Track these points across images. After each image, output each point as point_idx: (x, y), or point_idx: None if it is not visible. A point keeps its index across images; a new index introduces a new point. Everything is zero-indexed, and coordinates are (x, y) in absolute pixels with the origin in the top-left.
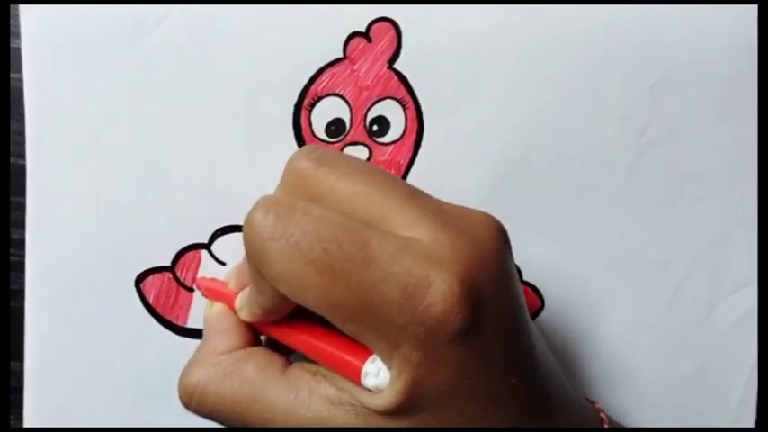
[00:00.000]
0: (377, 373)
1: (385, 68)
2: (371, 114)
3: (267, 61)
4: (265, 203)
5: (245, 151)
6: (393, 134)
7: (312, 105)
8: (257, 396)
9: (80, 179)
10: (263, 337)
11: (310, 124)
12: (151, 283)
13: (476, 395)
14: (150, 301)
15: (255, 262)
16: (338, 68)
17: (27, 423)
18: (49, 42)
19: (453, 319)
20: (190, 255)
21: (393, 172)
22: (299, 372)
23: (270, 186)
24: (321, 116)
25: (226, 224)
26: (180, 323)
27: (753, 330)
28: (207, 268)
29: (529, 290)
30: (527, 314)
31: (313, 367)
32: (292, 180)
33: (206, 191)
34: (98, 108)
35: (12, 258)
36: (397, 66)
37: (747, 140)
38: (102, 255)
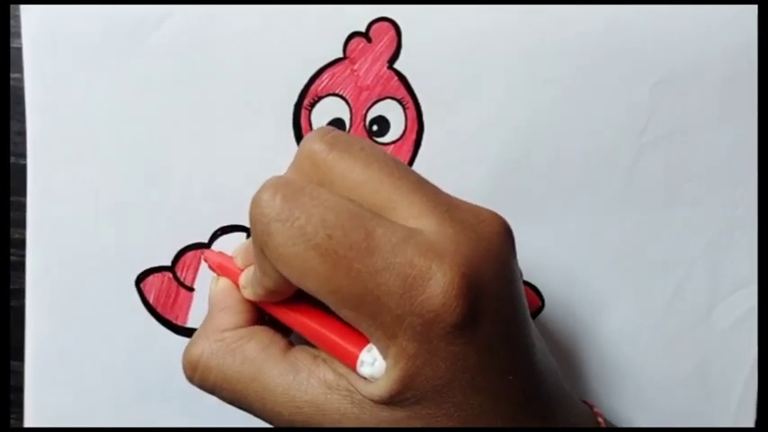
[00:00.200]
0: (372, 363)
1: (385, 68)
2: (371, 114)
3: (267, 61)
4: (274, 184)
5: (245, 151)
6: (393, 134)
7: (312, 105)
8: (257, 375)
9: (80, 179)
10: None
11: (310, 124)
12: (151, 283)
13: (472, 390)
14: (150, 301)
15: (260, 242)
16: (338, 68)
17: (27, 423)
18: (50, 42)
19: (451, 313)
20: (190, 254)
21: None
22: (299, 354)
23: None
24: (321, 116)
25: (226, 224)
26: (180, 323)
27: (753, 330)
28: (206, 269)
29: (529, 290)
30: (528, 313)
31: (314, 350)
32: (304, 161)
33: (206, 191)
34: (98, 108)
35: (12, 258)
36: (396, 66)
37: (747, 140)
38: (102, 254)
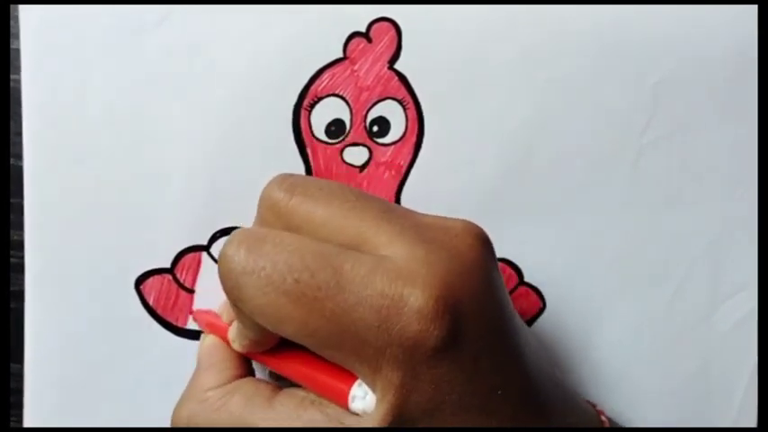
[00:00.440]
0: (364, 396)
1: (385, 69)
2: (372, 115)
3: (267, 61)
4: (237, 238)
5: (245, 152)
6: (393, 135)
7: (312, 106)
8: (245, 429)
9: (79, 180)
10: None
11: (310, 125)
12: (151, 285)
13: (462, 410)
14: (150, 303)
15: (232, 297)
16: (338, 69)
17: (27, 423)
18: (49, 42)
19: (430, 337)
20: (189, 256)
21: (393, 173)
22: (286, 399)
23: None
24: (321, 117)
25: (225, 226)
26: (180, 324)
27: (753, 332)
28: (207, 270)
29: (530, 291)
30: (515, 321)
31: (301, 392)
32: (267, 212)
33: (205, 192)
34: (97, 108)
35: (11, 260)
36: (397, 66)
37: (747, 140)
38: (101, 256)
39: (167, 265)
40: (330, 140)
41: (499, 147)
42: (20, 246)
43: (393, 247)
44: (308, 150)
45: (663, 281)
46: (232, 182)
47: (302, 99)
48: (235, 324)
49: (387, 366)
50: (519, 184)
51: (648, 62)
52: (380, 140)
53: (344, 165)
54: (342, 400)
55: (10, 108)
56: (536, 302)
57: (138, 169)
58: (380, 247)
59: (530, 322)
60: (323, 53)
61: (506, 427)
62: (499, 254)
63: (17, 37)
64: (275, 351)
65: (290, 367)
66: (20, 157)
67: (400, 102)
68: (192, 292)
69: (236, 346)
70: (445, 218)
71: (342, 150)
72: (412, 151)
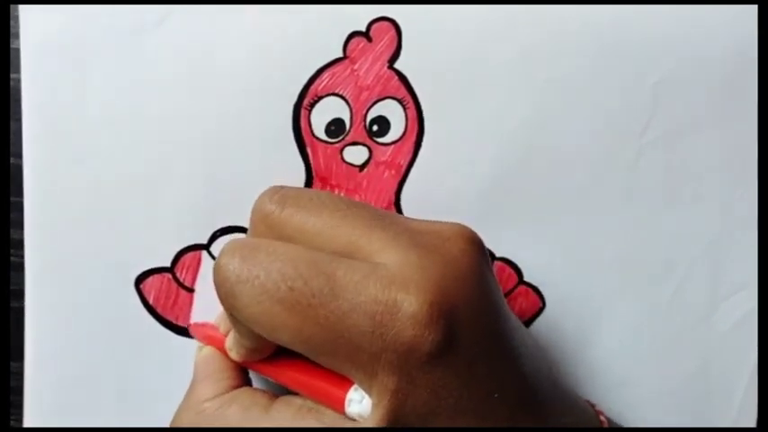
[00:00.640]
0: (360, 400)
1: (385, 68)
2: (372, 114)
3: (267, 61)
4: (231, 247)
5: (245, 151)
6: (393, 134)
7: (312, 105)
8: (246, 429)
9: (79, 179)
10: None
11: (310, 124)
12: (151, 284)
13: (459, 413)
14: (150, 302)
15: (228, 306)
16: (338, 68)
17: (27, 423)
18: (48, 42)
19: (424, 342)
20: (189, 255)
21: (393, 172)
22: (283, 407)
23: (270, 184)
24: (321, 116)
25: (225, 225)
26: (180, 323)
27: (753, 332)
28: (207, 269)
29: (530, 290)
30: (510, 323)
31: (298, 400)
32: (259, 225)
33: (206, 191)
34: (97, 108)
35: (12, 259)
36: (397, 65)
37: (747, 140)
38: (101, 255)
39: (167, 264)
40: (330, 140)
41: (499, 146)
42: (20, 245)
43: (386, 253)
44: (308, 150)
45: (663, 281)
46: (232, 181)
47: (302, 98)
48: (232, 333)
49: (382, 372)
50: (519, 184)
51: (648, 62)
52: (380, 140)
53: (344, 164)
54: (338, 405)
55: (10, 107)
56: (536, 302)
57: (138, 168)
58: (374, 254)
59: (529, 322)
60: (323, 52)
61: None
62: (498, 253)
63: (17, 36)
64: (271, 359)
65: (286, 375)
66: (20, 155)
67: (400, 101)
68: (191, 291)
69: (234, 355)
70: (437, 222)
71: (342, 150)
72: (412, 151)
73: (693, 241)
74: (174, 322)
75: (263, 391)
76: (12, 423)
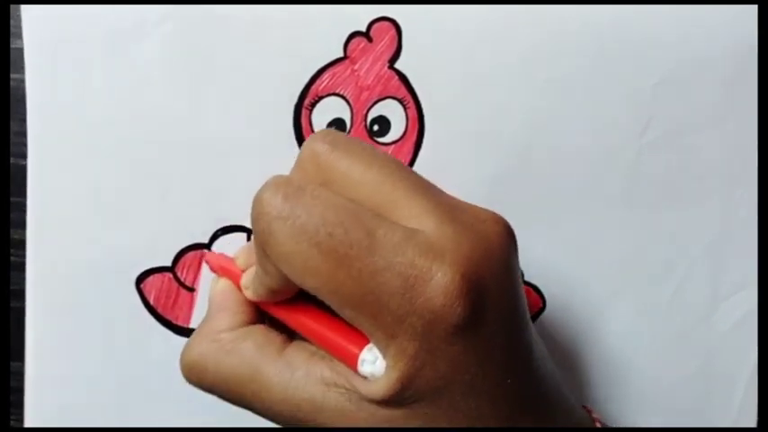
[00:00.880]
0: (373, 361)
1: (385, 68)
2: (372, 114)
3: (267, 61)
4: (275, 183)
5: (246, 151)
6: (394, 134)
7: (313, 105)
8: (254, 375)
9: (80, 179)
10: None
11: (311, 124)
12: (151, 284)
13: (471, 392)
14: (151, 302)
15: (261, 240)
16: (339, 68)
17: (27, 423)
18: (51, 42)
19: (452, 314)
20: (190, 255)
21: None
22: (296, 351)
23: None
24: (322, 116)
25: (226, 224)
26: (180, 323)
27: (753, 332)
28: (207, 269)
29: (530, 290)
30: (528, 316)
31: (311, 347)
32: (306, 162)
33: (206, 191)
34: (99, 108)
35: (12, 259)
36: (397, 65)
37: (747, 140)
38: (102, 255)
39: (168, 263)
40: None
41: (499, 146)
42: (20, 244)
43: (423, 220)
44: None
45: (663, 281)
46: (233, 181)
47: (303, 98)
48: (251, 271)
49: (403, 335)
50: (519, 184)
51: (648, 62)
52: (381, 139)
53: None
54: (351, 362)
55: (10, 107)
56: (536, 302)
57: (139, 168)
58: (411, 218)
59: None
60: (323, 53)
61: (508, 415)
62: None
63: (19, 36)
64: (288, 303)
65: (301, 322)
66: (21, 156)
67: (400, 101)
68: (192, 290)
69: (250, 293)
70: (475, 205)
71: None
72: (412, 150)
73: (693, 241)
74: (175, 322)
75: (278, 333)
76: (12, 423)
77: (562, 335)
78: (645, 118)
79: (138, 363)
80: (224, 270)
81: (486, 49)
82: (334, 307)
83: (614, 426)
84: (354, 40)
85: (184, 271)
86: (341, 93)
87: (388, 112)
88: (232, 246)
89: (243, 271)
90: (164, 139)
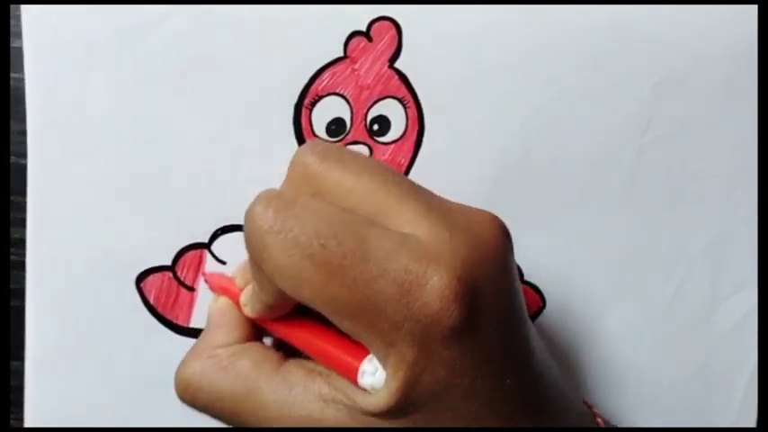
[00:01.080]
0: (374, 372)
1: (386, 68)
2: (372, 114)
3: (267, 60)
4: (266, 197)
5: (246, 151)
6: (394, 133)
7: (313, 105)
8: (250, 391)
9: (80, 179)
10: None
11: (311, 123)
12: (152, 283)
13: (471, 395)
14: (151, 301)
15: (255, 256)
16: (339, 68)
17: (27, 423)
18: (50, 42)
19: (449, 317)
20: (190, 254)
21: None
22: (294, 368)
23: (270, 186)
24: (322, 115)
25: (226, 224)
26: (180, 323)
27: (753, 332)
28: (208, 268)
29: (530, 290)
30: (526, 314)
31: (309, 364)
32: (297, 174)
33: (206, 190)
34: (99, 108)
35: (12, 258)
36: (397, 65)
37: (747, 140)
38: (102, 254)
39: (168, 262)
40: (331, 139)
41: (499, 146)
42: (20, 243)
43: (417, 224)
44: None
45: (663, 280)
46: (233, 180)
47: (303, 98)
48: (249, 288)
49: (402, 342)
50: (519, 183)
51: (648, 62)
52: (381, 139)
53: None
54: (351, 375)
55: (10, 107)
56: (536, 301)
57: (139, 167)
58: (404, 223)
59: None
60: (323, 52)
61: (508, 415)
62: None
63: (18, 36)
64: (286, 319)
65: (299, 337)
66: (21, 155)
67: (400, 100)
68: (192, 290)
69: (248, 310)
70: (469, 206)
71: None
72: (412, 150)
73: (693, 241)
74: (175, 321)
75: (275, 350)
76: (12, 422)
77: (562, 335)
78: (645, 118)
79: (138, 362)
80: (223, 290)
81: (485, 49)
82: (331, 318)
83: (615, 422)
84: (354, 40)
85: (184, 270)
86: (341, 92)
87: (388, 111)
88: (232, 246)
89: (242, 289)
90: (163, 139)
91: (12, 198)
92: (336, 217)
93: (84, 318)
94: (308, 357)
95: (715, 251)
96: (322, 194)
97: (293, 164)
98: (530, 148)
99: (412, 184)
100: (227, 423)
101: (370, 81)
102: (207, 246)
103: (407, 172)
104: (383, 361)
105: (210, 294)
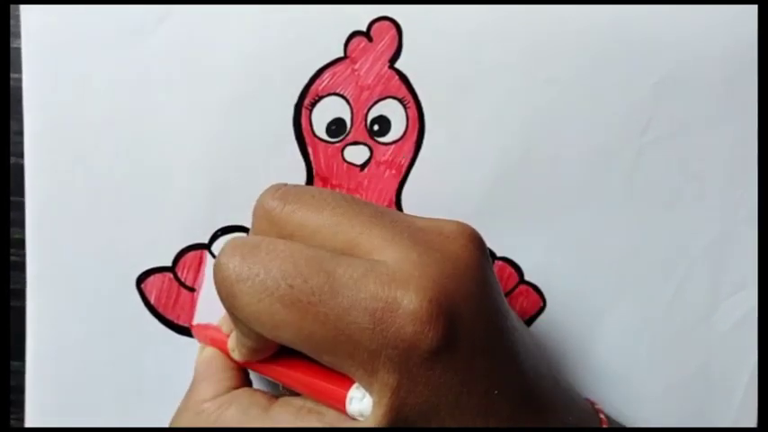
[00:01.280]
0: (362, 398)
1: (386, 68)
2: (372, 114)
3: (267, 61)
4: (231, 246)
5: (246, 151)
6: (394, 134)
7: (313, 105)
8: (248, 429)
9: (80, 178)
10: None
11: (311, 124)
12: (152, 284)
13: (458, 411)
14: (151, 302)
15: (228, 305)
16: (339, 68)
17: (28, 423)
18: (49, 42)
19: (425, 339)
20: (190, 255)
21: (394, 172)
22: (282, 409)
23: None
24: (322, 116)
25: (226, 224)
26: (181, 323)
27: (753, 332)
28: (208, 268)
29: (530, 290)
30: (510, 321)
31: (298, 401)
32: (261, 221)
33: (206, 191)
34: (98, 108)
35: (12, 258)
36: (398, 65)
37: (747, 140)
38: (102, 254)
39: (168, 263)
40: (331, 139)
41: (499, 146)
42: (20, 244)
43: (386, 251)
44: (309, 149)
45: (663, 281)
46: (233, 180)
47: (303, 98)
48: (233, 333)
49: (383, 369)
50: (519, 183)
51: (648, 62)
52: (381, 139)
53: (345, 164)
54: (340, 404)
55: (10, 107)
56: (536, 301)
57: (139, 168)
58: (373, 251)
59: (530, 321)
60: (324, 52)
61: (504, 427)
62: (499, 253)
63: (18, 36)
64: (273, 360)
65: (287, 375)
66: (20, 155)
67: (401, 101)
68: (193, 290)
69: (236, 355)
70: (438, 220)
71: (342, 149)
72: (412, 150)
73: (693, 241)
74: (176, 322)
75: (263, 392)
76: (13, 422)
77: (562, 334)
78: (645, 118)
79: (138, 362)
80: (210, 339)
81: (485, 49)
82: (311, 355)
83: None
84: (355, 40)
85: (185, 271)
86: (341, 92)
87: (388, 111)
88: None
89: (228, 335)
90: (163, 139)
91: (12, 198)
92: (301, 255)
93: (84, 318)
94: (298, 394)
95: (715, 251)
96: (290, 236)
97: (256, 211)
98: (530, 148)
99: (376, 209)
100: None
101: (370, 81)
102: (207, 246)
103: (408, 172)
104: (368, 389)
105: (212, 291)
